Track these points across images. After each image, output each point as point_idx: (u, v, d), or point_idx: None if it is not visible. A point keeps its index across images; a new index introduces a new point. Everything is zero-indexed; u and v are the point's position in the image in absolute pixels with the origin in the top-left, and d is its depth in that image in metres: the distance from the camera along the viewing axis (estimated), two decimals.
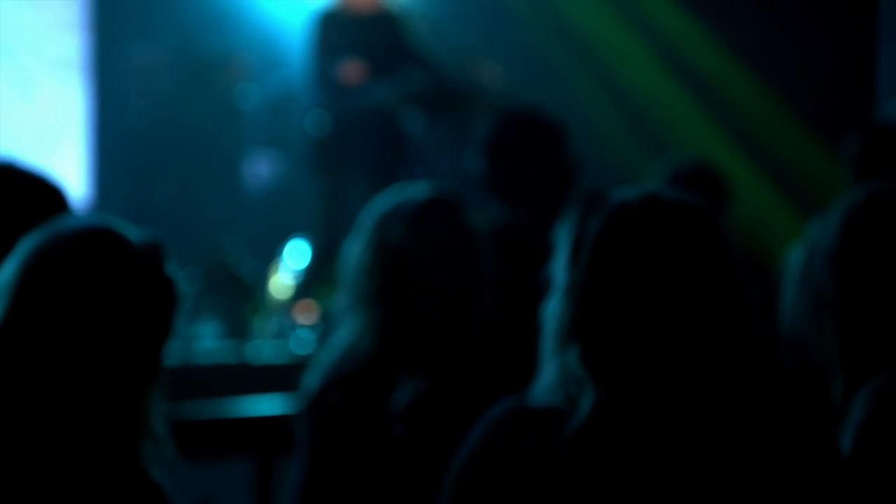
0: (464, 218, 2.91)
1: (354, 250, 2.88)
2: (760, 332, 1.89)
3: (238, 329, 6.47)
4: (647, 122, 8.09)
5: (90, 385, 1.85)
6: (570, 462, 1.80)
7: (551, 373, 1.86)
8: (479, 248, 2.92)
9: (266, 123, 7.88)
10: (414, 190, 2.93)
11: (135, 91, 8.05)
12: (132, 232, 1.92)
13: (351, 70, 7.06)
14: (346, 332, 2.86)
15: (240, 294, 6.61)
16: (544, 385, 1.87)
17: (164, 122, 8.06)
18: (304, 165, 7.39)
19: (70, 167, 7.65)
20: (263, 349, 6.21)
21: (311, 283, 6.82)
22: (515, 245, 3.58)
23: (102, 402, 1.86)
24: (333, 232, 7.08)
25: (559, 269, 1.91)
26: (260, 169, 8.00)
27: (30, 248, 1.88)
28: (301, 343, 6.38)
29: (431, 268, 2.83)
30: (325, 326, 6.54)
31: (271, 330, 6.54)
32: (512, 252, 3.48)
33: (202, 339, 6.24)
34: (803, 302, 2.39)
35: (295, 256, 7.06)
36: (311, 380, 2.86)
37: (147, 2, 8.13)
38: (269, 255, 7.20)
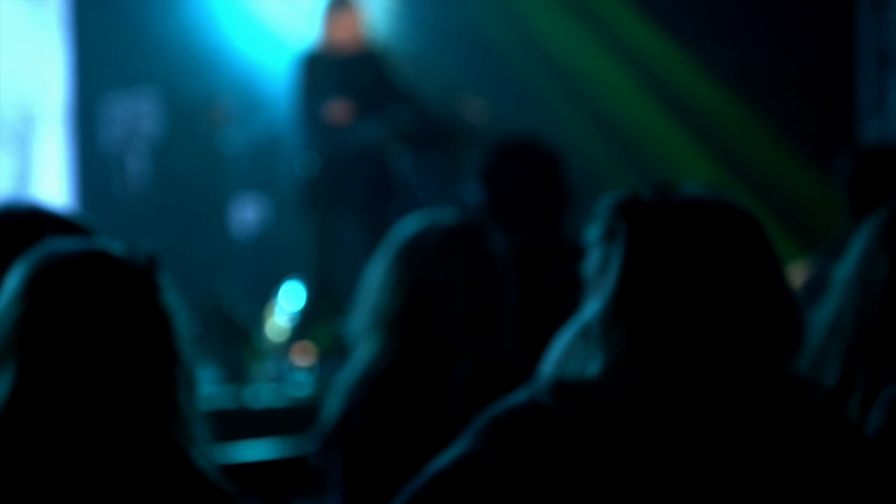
0: (489, 245, 2.92)
1: (378, 271, 2.88)
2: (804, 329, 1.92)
3: (236, 374, 6.42)
4: (634, 149, 8.11)
5: (113, 391, 1.88)
6: (623, 445, 1.79)
7: (595, 363, 1.85)
8: (503, 275, 2.92)
9: (250, 167, 7.86)
10: (440, 215, 2.93)
11: (118, 140, 8.03)
12: (119, 247, 1.96)
13: (337, 110, 7.06)
14: (365, 355, 2.86)
15: (237, 338, 6.57)
16: (584, 370, 1.86)
17: (148, 170, 8.03)
18: (294, 207, 7.37)
19: None
20: (262, 393, 6.16)
21: (308, 324, 6.79)
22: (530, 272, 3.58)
23: (131, 404, 1.89)
24: (327, 272, 7.06)
25: (605, 269, 1.89)
26: (246, 213, 7.98)
27: (28, 274, 1.89)
28: (299, 385, 6.34)
29: (454, 294, 2.84)
30: (323, 367, 6.51)
31: (269, 373, 6.50)
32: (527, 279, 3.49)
33: (200, 385, 6.18)
34: (825, 322, 2.42)
35: (290, 298, 7.02)
36: (331, 407, 2.85)
37: (128, 51, 8.12)
38: (261, 299, 7.16)
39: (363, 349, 2.87)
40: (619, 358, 1.84)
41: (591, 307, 1.89)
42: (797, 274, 4.43)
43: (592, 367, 1.86)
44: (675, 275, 1.85)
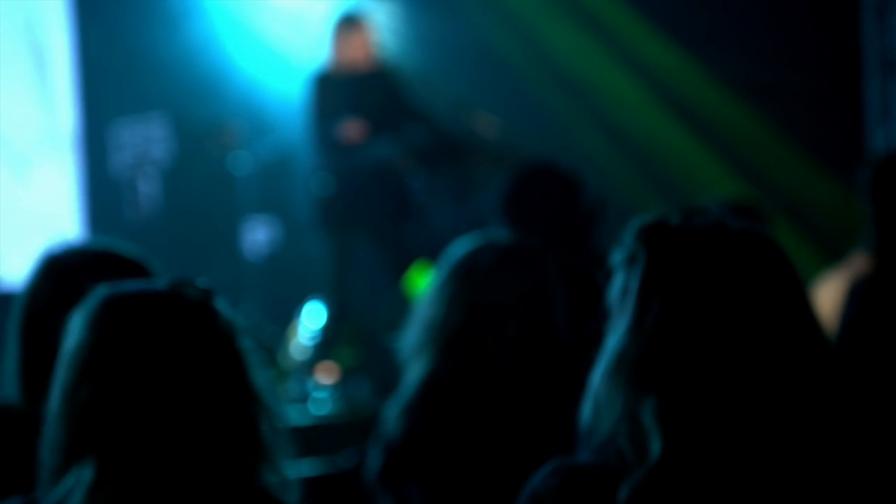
0: (544, 266, 2.92)
1: (433, 287, 2.89)
2: (839, 367, 1.83)
3: None
4: (646, 160, 8.12)
5: (201, 450, 1.82)
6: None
7: (607, 422, 1.78)
8: (558, 296, 2.92)
9: (260, 189, 7.86)
10: (497, 234, 2.94)
11: (129, 165, 8.02)
12: (169, 283, 1.90)
13: (351, 129, 7.07)
14: (419, 372, 2.86)
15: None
16: (597, 437, 1.79)
17: (159, 195, 8.02)
18: (310, 227, 7.37)
19: None
20: (288, 413, 6.15)
21: (330, 343, 6.78)
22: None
23: (211, 443, 1.83)
24: (345, 291, 7.06)
25: (623, 301, 1.82)
26: (257, 235, 7.97)
27: (91, 338, 1.83)
28: (323, 404, 6.33)
29: (508, 313, 2.84)
30: (346, 386, 6.51)
31: (293, 393, 6.49)
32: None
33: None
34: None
35: (312, 317, 7.01)
36: (390, 423, 2.84)
37: (136, 76, 8.12)
38: (276, 319, 7.14)
39: (417, 366, 2.87)
40: (639, 416, 1.76)
41: (612, 340, 1.82)
42: (833, 283, 4.43)
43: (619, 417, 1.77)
44: (691, 305, 1.78)
